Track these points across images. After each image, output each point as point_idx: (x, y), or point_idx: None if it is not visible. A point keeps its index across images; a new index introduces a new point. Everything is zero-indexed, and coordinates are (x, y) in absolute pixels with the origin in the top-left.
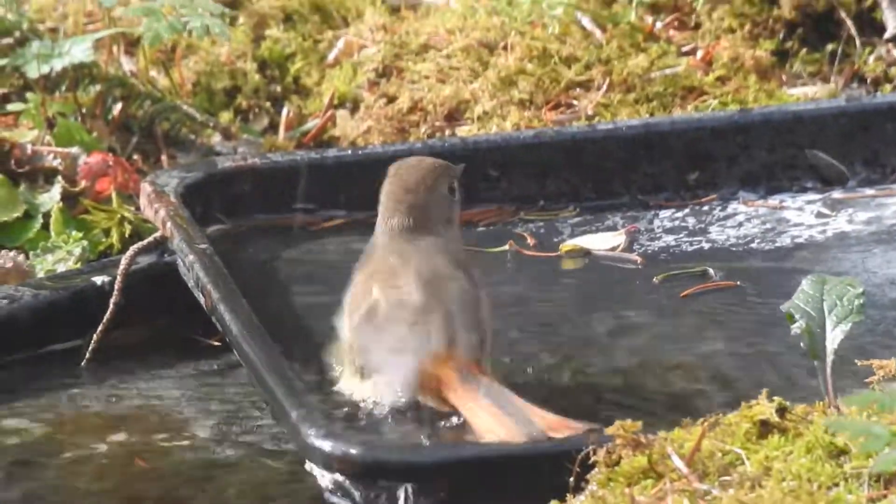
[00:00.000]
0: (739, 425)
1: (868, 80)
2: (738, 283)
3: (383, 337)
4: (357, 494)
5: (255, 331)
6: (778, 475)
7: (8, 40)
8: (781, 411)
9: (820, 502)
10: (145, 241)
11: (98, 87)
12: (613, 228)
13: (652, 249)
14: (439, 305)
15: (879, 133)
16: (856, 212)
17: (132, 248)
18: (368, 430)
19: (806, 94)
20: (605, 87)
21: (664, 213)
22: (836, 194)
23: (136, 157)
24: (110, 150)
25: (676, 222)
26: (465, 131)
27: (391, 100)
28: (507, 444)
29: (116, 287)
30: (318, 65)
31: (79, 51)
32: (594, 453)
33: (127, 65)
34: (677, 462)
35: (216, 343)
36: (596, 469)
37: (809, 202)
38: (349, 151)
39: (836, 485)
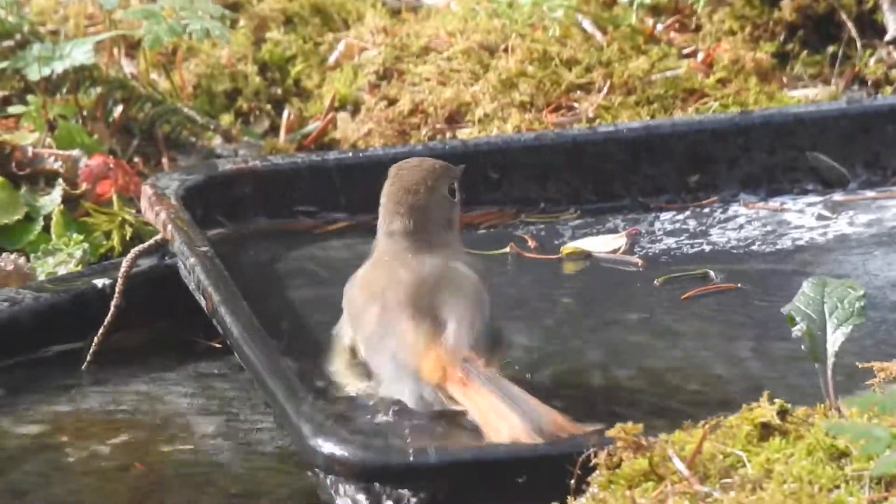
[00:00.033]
0: (740, 427)
1: (869, 83)
2: (739, 285)
3: (386, 343)
4: (360, 497)
5: (256, 333)
6: (779, 477)
7: (9, 43)
8: (782, 414)
9: None
10: (146, 244)
11: (99, 90)
12: (614, 231)
13: (653, 252)
14: (442, 311)
15: (880, 135)
16: (856, 214)
17: (133, 251)
18: (370, 433)
19: (807, 96)
20: (605, 89)
21: (665, 216)
22: (837, 196)
23: (136, 159)
24: (111, 152)
25: (677, 225)
26: (466, 134)
27: (392, 102)
28: (508, 447)
29: (117, 290)
30: (318, 67)
31: (79, 53)
32: (595, 455)
33: (128, 67)
34: (678, 464)
35: (217, 346)
36: (597, 471)
37: (810, 204)
38: (350, 154)
39: (837, 487)
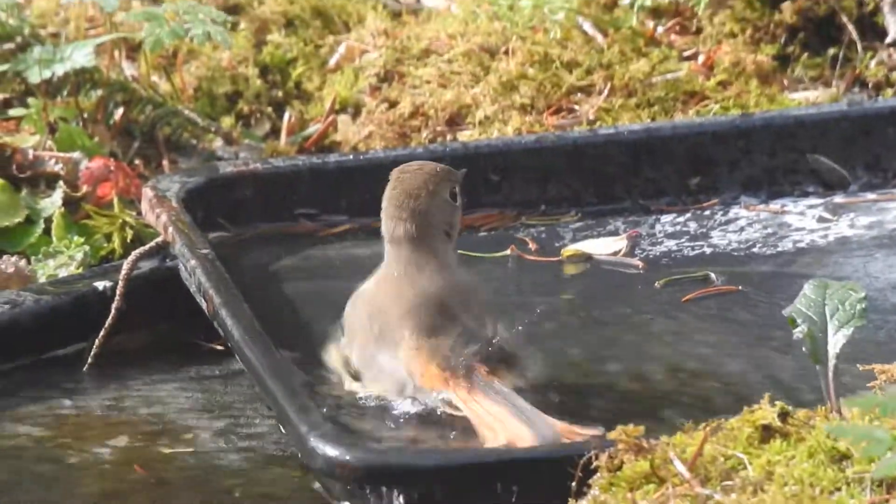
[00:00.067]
0: (741, 430)
1: (869, 85)
2: (740, 287)
3: (388, 351)
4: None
5: (256, 336)
6: (780, 480)
7: (9, 45)
8: (783, 416)
9: None
10: (147, 246)
11: (99, 92)
12: (615, 233)
13: (653, 254)
14: (445, 322)
15: (881, 137)
16: (857, 216)
17: (134, 253)
18: (370, 435)
19: (807, 98)
20: (606, 91)
21: (666, 218)
22: (838, 199)
23: (137, 161)
24: (112, 155)
25: (678, 227)
26: (467, 136)
27: (393, 105)
28: (509, 449)
29: (118, 292)
30: (319, 70)
31: (80, 56)
32: (596, 458)
33: (128, 70)
34: (679, 467)
35: (218, 348)
36: (598, 474)
37: (811, 207)
38: (351, 156)
39: (838, 489)
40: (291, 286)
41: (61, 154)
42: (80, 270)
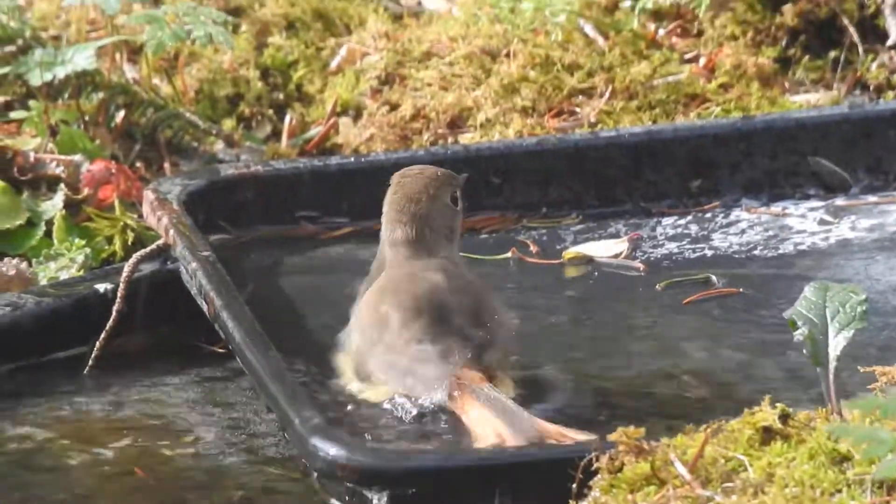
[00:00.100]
0: (742, 432)
1: (871, 87)
2: (741, 290)
3: (390, 356)
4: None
5: (257, 338)
6: (781, 481)
7: (11, 48)
8: (784, 418)
9: None
10: (148, 249)
11: (101, 95)
12: (616, 236)
13: (655, 256)
14: (443, 327)
15: (882, 140)
16: (858, 219)
17: (135, 256)
18: (371, 437)
19: (808, 101)
20: (607, 94)
21: (667, 221)
22: (839, 201)
23: (138, 164)
24: (113, 157)
25: (679, 229)
26: (468, 139)
27: (394, 107)
28: (509, 451)
29: (119, 294)
30: (320, 72)
31: (81, 58)
32: (597, 459)
33: (130, 72)
34: (680, 468)
35: (219, 350)
36: (598, 475)
37: (812, 209)
38: (352, 159)
39: (839, 491)
40: (292, 288)
41: (62, 157)
42: (82, 273)
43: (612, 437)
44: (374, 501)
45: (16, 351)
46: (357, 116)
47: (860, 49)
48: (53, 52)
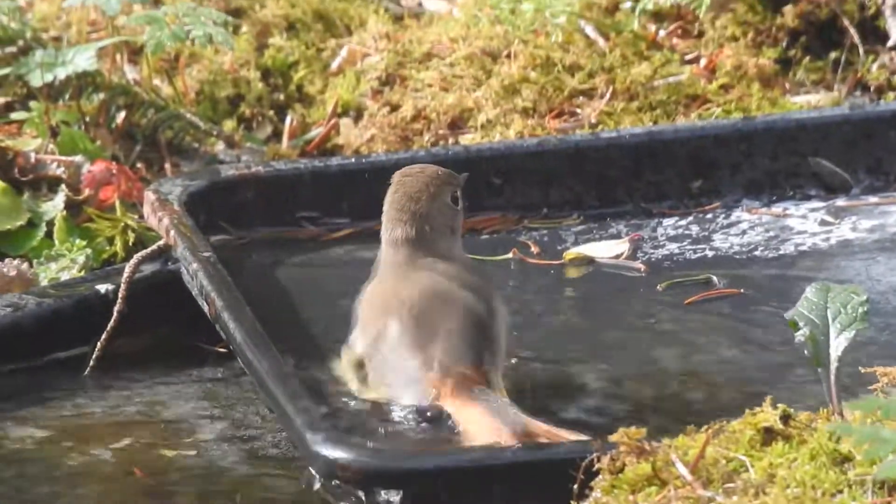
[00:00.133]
0: (743, 432)
1: (871, 88)
2: (742, 290)
3: (390, 359)
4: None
5: (258, 338)
6: (782, 482)
7: (11, 49)
8: (785, 418)
9: None
10: (149, 250)
11: (101, 96)
12: (617, 236)
13: (655, 257)
14: (439, 328)
15: (883, 141)
16: (859, 219)
17: (136, 257)
18: (372, 438)
19: (809, 101)
20: (608, 95)
21: (668, 221)
22: (840, 202)
23: (139, 165)
24: (114, 158)
25: (680, 230)
26: (469, 139)
27: (394, 108)
28: (510, 451)
29: (120, 295)
30: (321, 73)
31: (82, 59)
32: (598, 460)
33: (130, 73)
34: (681, 469)
35: (220, 351)
36: (600, 476)
37: (813, 210)
38: (352, 160)
39: (840, 492)
40: (293, 289)
41: (63, 157)
42: (82, 274)
43: (613, 437)
44: (375, 502)
45: (16, 351)
46: (358, 117)
47: (861, 50)
48: (54, 53)
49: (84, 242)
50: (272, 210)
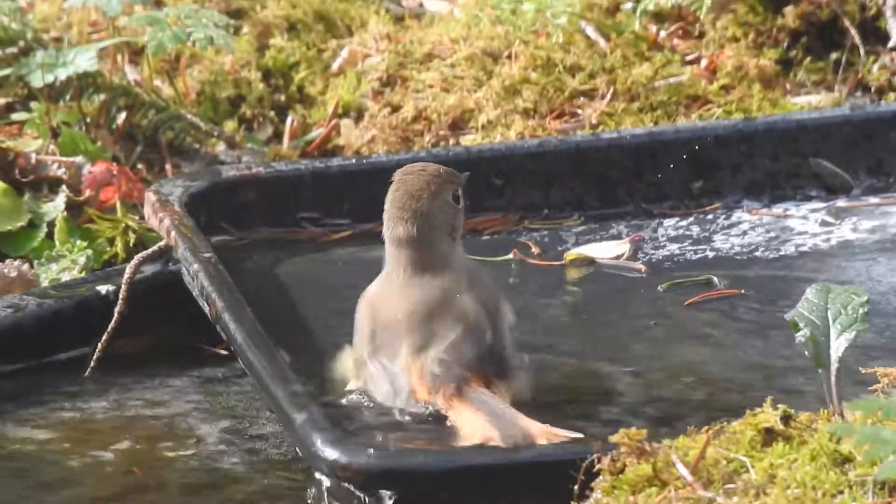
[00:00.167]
0: (744, 433)
1: (872, 89)
2: (743, 291)
3: (388, 363)
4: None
5: (259, 339)
6: (782, 483)
7: (12, 50)
8: (786, 419)
9: None
10: (150, 251)
11: (102, 97)
12: (618, 237)
13: (656, 258)
14: (438, 332)
15: (883, 141)
16: (860, 220)
17: (136, 258)
18: (374, 438)
19: (810, 102)
20: (609, 95)
21: (668, 222)
22: (841, 203)
23: (140, 166)
24: (114, 159)
25: (681, 231)
26: (470, 140)
27: (395, 109)
28: (511, 452)
29: (121, 296)
30: (322, 74)
31: (83, 60)
32: (599, 461)
33: (131, 74)
34: (682, 470)
35: (221, 352)
36: (600, 477)
37: (813, 211)
38: (353, 160)
39: (841, 492)
40: (294, 290)
41: (64, 158)
42: (83, 274)
43: (613, 438)
44: (375, 502)
45: (17, 352)
46: (358, 118)
47: (861, 51)
48: (55, 53)
49: (85, 243)
50: (273, 211)
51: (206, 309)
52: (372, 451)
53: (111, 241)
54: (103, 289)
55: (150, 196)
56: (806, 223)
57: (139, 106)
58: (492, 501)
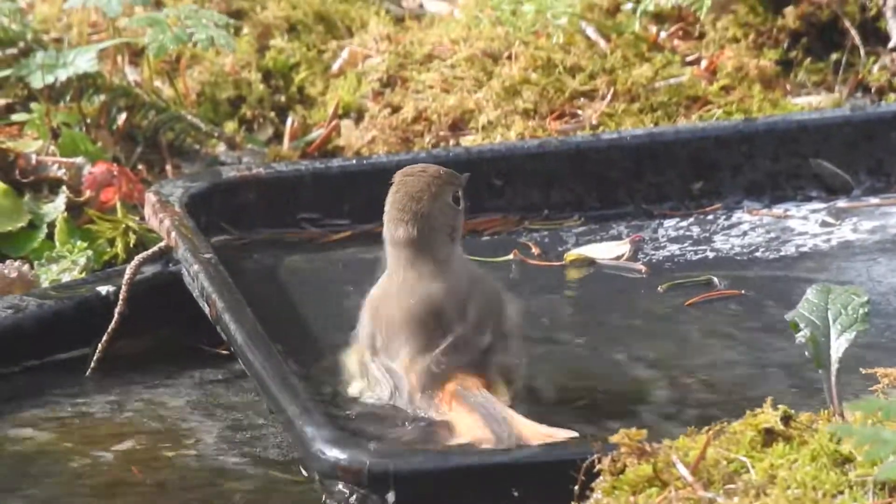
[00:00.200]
0: (744, 433)
1: (872, 90)
2: (743, 291)
3: (388, 364)
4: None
5: (259, 340)
6: (783, 483)
7: (12, 51)
8: (786, 419)
9: None
10: (150, 251)
11: (102, 98)
12: (618, 237)
13: (656, 258)
14: (441, 330)
15: (884, 142)
16: (860, 221)
17: (137, 258)
18: (374, 438)
19: (810, 103)
20: (609, 96)
21: (669, 223)
22: (841, 203)
23: (140, 166)
24: (115, 159)
25: (681, 231)
26: (470, 141)
27: (395, 109)
28: (512, 452)
29: (121, 297)
30: (322, 75)
31: (83, 61)
32: (599, 461)
33: (131, 75)
34: (682, 470)
35: (221, 352)
36: (601, 477)
37: (814, 211)
38: (353, 161)
39: (841, 492)
40: (294, 290)
41: (64, 159)
42: (84, 275)
43: (613, 438)
44: (375, 503)
45: (17, 353)
46: (359, 119)
47: (862, 51)
48: (55, 54)
49: (85, 244)
50: (273, 211)
51: (207, 310)
52: (372, 451)
53: (111, 242)
54: (103, 289)
55: (150, 197)
56: (806, 224)
57: (139, 107)
58: (492, 502)
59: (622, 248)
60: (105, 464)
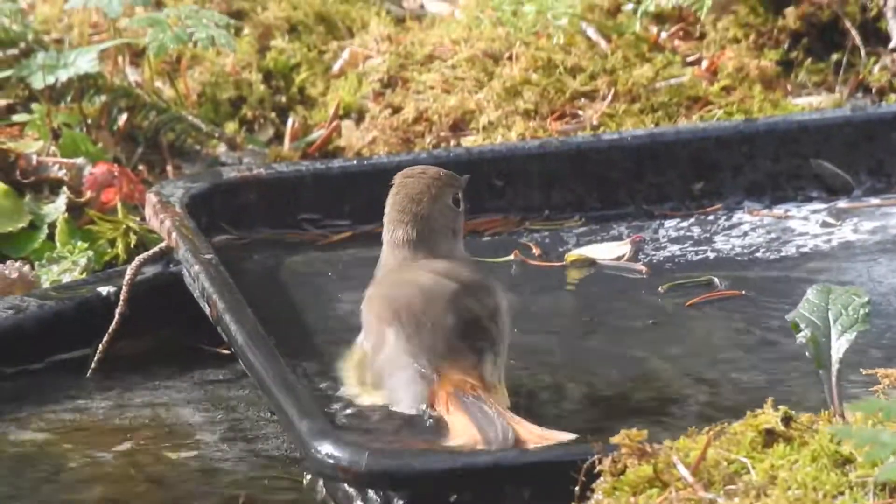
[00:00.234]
0: (745, 434)
1: (873, 90)
2: (744, 292)
3: (389, 363)
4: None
5: (260, 340)
6: (783, 484)
7: (13, 51)
8: (787, 420)
9: None
10: (151, 252)
11: (103, 98)
12: (619, 238)
13: (657, 259)
14: (440, 329)
15: (884, 142)
16: (861, 221)
17: (137, 259)
18: (374, 439)
19: (811, 103)
20: (609, 97)
21: (669, 223)
22: (841, 204)
23: (141, 167)
24: (115, 160)
25: (681, 232)
26: (470, 141)
27: (396, 110)
28: (512, 453)
29: (122, 297)
30: (323, 75)
31: (84, 61)
32: (599, 462)
33: (132, 75)
34: (683, 471)
35: (222, 352)
36: (601, 478)
37: (814, 211)
38: (354, 162)
39: (841, 493)
40: (295, 291)
41: (65, 160)
42: (84, 276)
43: (614, 439)
44: (375, 503)
45: (18, 354)
46: (359, 119)
47: (862, 52)
48: (56, 55)
49: (86, 245)
50: (274, 212)
51: (207, 310)
52: (372, 451)
53: (112, 243)
54: (104, 290)
55: (151, 197)
56: (807, 224)
57: (140, 107)
58: (492, 502)
59: (623, 248)
60: (105, 464)
